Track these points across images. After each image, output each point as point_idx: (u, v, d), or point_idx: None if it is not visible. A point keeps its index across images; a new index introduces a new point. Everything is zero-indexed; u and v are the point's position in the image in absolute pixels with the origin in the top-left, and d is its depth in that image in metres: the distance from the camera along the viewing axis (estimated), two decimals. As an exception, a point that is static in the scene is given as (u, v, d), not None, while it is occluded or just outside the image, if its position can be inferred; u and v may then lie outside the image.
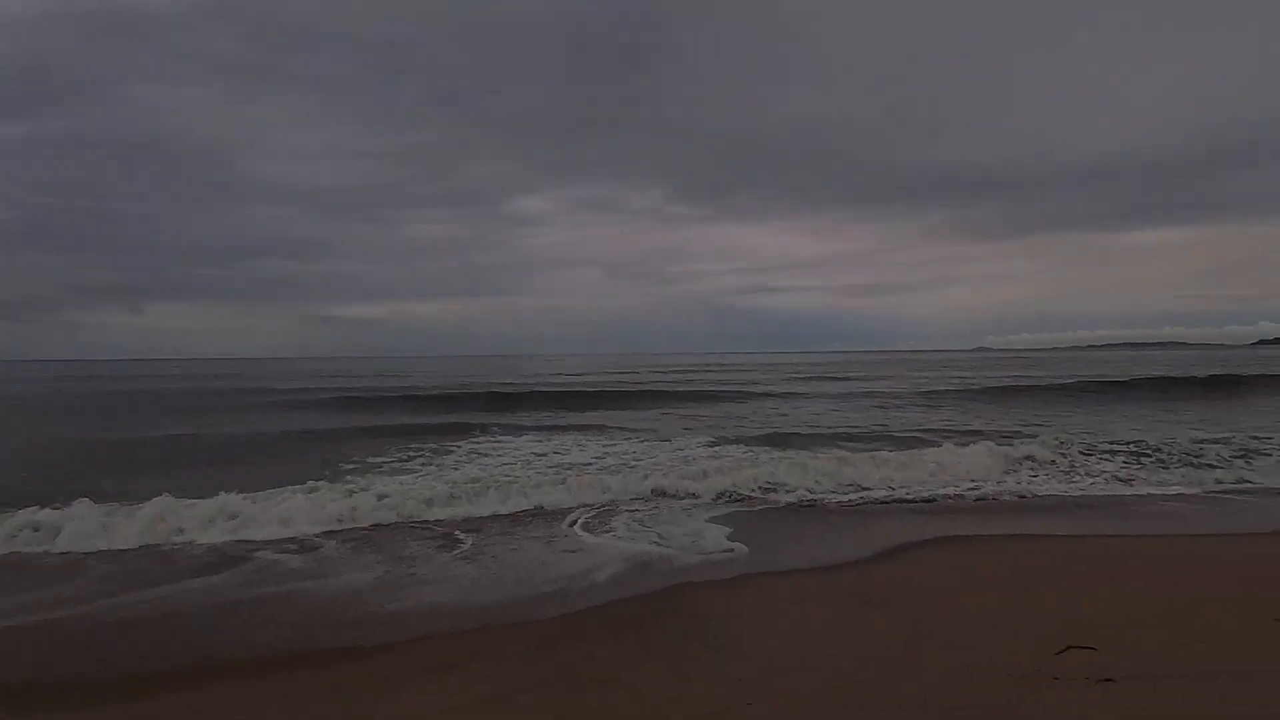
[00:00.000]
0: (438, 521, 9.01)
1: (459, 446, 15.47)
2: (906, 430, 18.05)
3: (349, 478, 11.27)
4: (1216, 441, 14.67)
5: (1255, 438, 15.25)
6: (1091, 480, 11.44)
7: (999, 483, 11.18)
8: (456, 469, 12.57)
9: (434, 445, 15.56)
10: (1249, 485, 11.08)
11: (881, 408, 25.13)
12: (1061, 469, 12.27)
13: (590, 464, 13.08)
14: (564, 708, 4.11)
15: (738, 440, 16.12)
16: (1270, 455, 13.25)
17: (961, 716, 3.75)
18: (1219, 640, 4.56)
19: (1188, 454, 13.32)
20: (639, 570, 6.99)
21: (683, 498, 10.21)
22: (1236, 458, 12.94)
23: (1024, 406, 24.90)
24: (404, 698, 4.29)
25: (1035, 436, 15.26)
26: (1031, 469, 12.20)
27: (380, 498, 9.55)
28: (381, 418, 22.24)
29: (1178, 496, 10.37)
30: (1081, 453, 13.52)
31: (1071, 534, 8.28)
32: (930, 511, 9.62)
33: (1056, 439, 14.59)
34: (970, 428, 18.38)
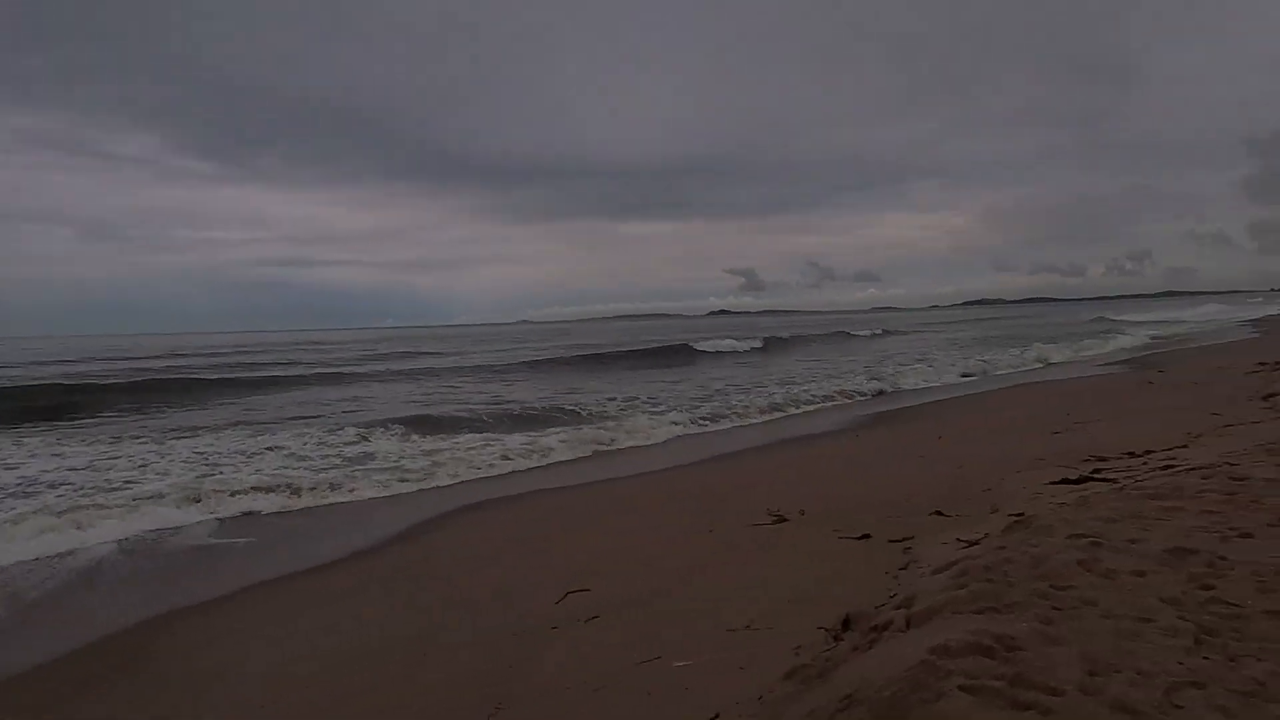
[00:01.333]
0: None
1: None
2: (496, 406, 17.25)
3: None
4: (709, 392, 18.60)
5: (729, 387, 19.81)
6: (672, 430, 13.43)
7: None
8: None
9: None
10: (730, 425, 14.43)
11: (450, 386, 24.39)
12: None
13: (61, 484, 9.99)
14: None
15: (256, 430, 14.22)
16: (735, 397, 17.38)
17: (473, 681, 3.82)
18: (679, 561, 5.61)
19: (677, 403, 16.59)
20: (94, 607, 5.56)
21: (199, 517, 8.31)
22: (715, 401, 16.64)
23: (599, 375, 27.49)
24: None
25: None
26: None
27: None
28: None
29: (679, 439, 12.79)
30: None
31: (591, 482, 9.43)
32: (476, 479, 9.92)
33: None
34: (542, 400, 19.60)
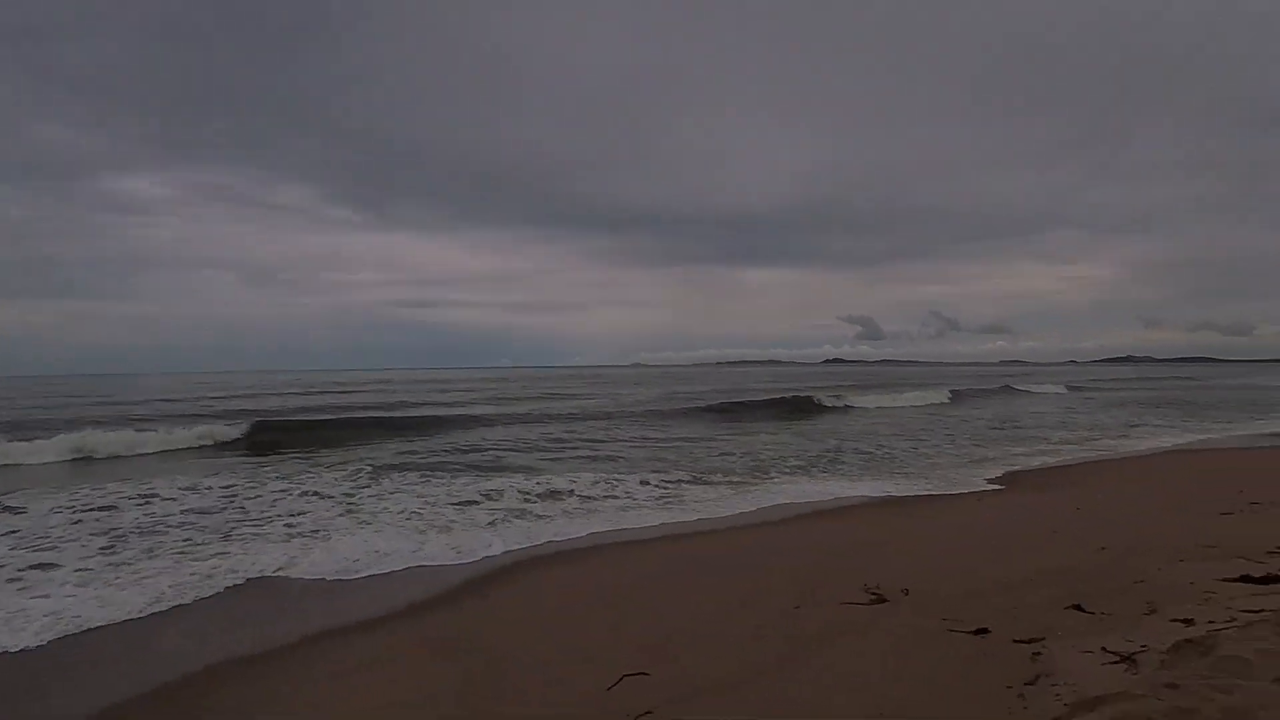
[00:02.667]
0: None
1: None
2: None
3: None
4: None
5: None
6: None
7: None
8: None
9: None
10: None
11: (576, 430, 23.16)
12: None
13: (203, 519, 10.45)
14: None
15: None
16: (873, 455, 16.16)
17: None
18: (756, 645, 4.86)
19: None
20: (171, 652, 5.45)
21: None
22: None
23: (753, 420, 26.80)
24: None
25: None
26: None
27: None
28: None
29: (792, 498, 11.84)
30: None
31: (688, 535, 8.78)
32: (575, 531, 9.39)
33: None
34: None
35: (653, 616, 5.65)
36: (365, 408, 32.23)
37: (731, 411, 30.21)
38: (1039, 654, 4.00)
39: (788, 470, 14.23)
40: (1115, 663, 3.65)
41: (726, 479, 13.02)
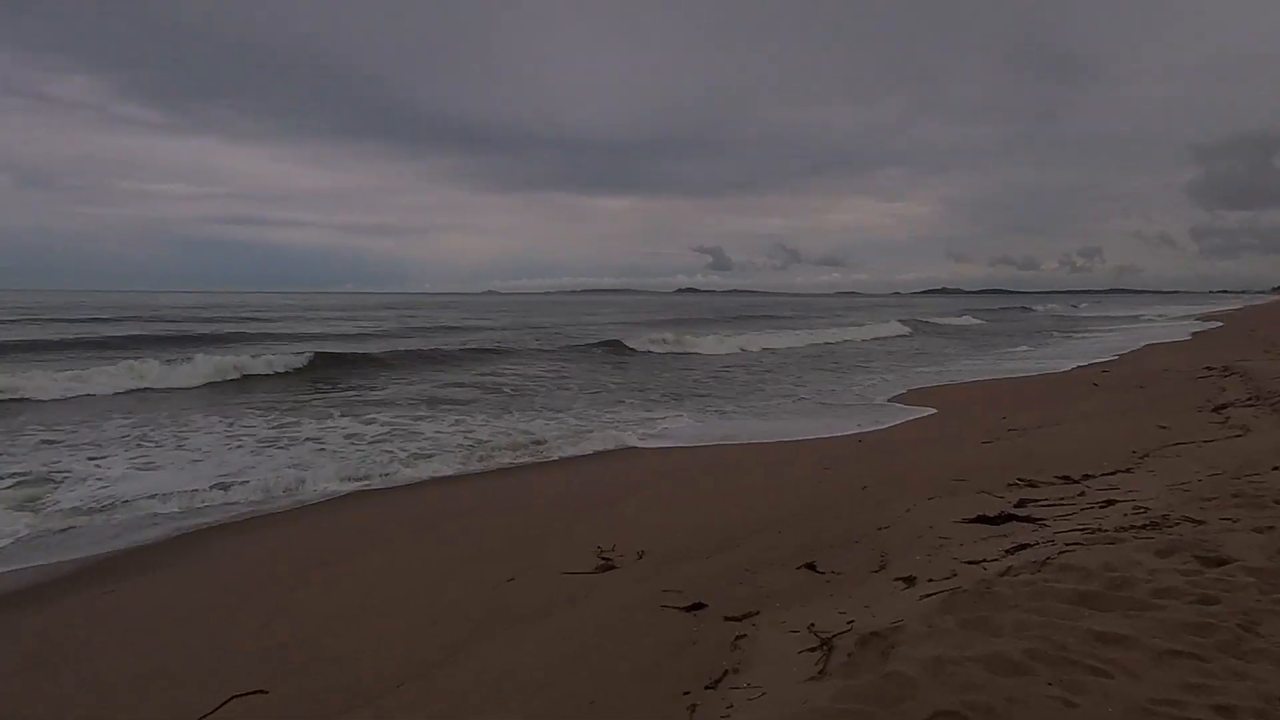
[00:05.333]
0: None
1: None
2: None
3: None
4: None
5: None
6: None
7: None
8: None
9: None
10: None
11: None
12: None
13: None
14: None
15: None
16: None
17: None
18: (437, 634, 3.96)
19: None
20: None
21: None
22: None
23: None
24: None
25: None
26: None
27: None
28: None
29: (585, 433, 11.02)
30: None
31: (441, 484, 7.72)
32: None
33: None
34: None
35: (320, 601, 4.55)
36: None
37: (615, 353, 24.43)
38: (742, 638, 3.41)
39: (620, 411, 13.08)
40: (812, 650, 3.10)
41: (557, 419, 12.08)
